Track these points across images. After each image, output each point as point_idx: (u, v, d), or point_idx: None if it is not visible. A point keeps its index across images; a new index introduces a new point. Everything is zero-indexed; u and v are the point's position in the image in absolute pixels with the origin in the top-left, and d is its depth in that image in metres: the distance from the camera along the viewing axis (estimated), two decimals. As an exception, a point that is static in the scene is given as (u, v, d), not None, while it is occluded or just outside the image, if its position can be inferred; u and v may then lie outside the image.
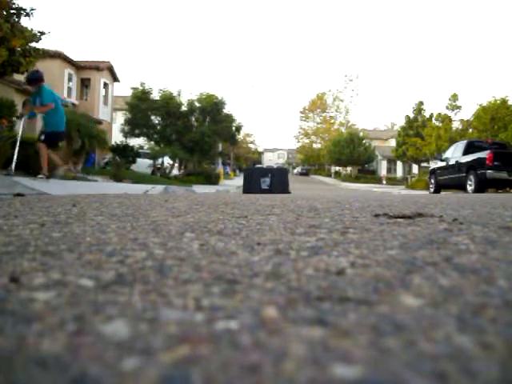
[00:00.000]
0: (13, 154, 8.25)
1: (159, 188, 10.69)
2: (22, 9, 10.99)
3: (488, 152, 12.75)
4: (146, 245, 1.34)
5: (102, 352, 0.55)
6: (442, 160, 15.58)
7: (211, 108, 27.27)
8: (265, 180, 11.07)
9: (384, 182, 44.50)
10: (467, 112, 34.31)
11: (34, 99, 8.71)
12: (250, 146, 77.64)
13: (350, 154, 52.21)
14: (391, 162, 54.58)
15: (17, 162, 8.39)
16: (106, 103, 29.18)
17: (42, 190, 5.49)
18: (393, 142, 50.45)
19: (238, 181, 26.32)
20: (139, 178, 16.20)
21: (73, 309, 0.71)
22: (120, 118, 31.68)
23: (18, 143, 8.34)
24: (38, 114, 8.98)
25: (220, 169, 34.71)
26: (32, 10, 11.18)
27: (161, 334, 0.61)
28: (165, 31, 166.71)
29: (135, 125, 27.18)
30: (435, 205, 3.21)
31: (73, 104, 25.26)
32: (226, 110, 28.49)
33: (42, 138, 8.46)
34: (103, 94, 28.87)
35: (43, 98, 8.70)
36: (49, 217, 2.12)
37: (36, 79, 8.65)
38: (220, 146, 33.04)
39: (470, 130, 30.69)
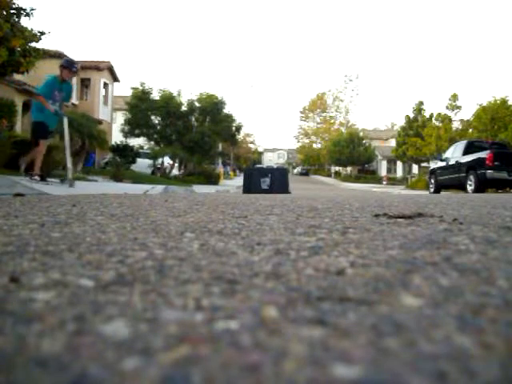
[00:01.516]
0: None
1: (159, 188, 10.69)
2: (22, 9, 10.98)
3: (488, 152, 12.76)
4: (145, 245, 1.34)
5: (102, 352, 0.54)
6: (442, 160, 15.58)
7: (211, 108, 27.27)
8: (265, 180, 11.07)
9: (385, 182, 44.48)
10: (467, 112, 34.32)
11: (52, 91, 7.20)
12: (250, 145, 77.63)
13: (350, 154, 52.23)
14: (391, 162, 54.58)
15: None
16: (105, 103, 29.18)
17: (42, 190, 5.49)
18: (393, 142, 50.45)
19: (238, 181, 26.31)
20: (139, 178, 16.20)
21: (73, 309, 0.71)
22: (120, 118, 31.67)
23: (68, 148, 7.30)
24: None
25: (220, 169, 34.72)
26: (32, 9, 11.18)
27: (161, 334, 0.61)
28: (165, 31, 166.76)
29: (135, 125, 27.19)
30: (435, 205, 3.21)
31: (73, 104, 25.26)
32: (226, 110, 28.51)
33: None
34: (103, 93, 28.87)
35: (70, 93, 7.63)
36: (49, 217, 2.12)
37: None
38: (220, 146, 33.05)
39: (470, 130, 30.69)
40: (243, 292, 0.82)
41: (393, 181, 46.02)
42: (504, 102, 29.03)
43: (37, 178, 7.09)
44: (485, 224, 1.91)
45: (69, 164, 7.30)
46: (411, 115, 41.49)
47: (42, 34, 11.78)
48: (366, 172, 53.97)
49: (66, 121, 7.45)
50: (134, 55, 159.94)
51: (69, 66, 7.37)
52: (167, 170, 24.96)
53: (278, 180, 11.18)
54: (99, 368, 0.50)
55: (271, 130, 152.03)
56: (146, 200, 3.67)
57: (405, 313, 0.70)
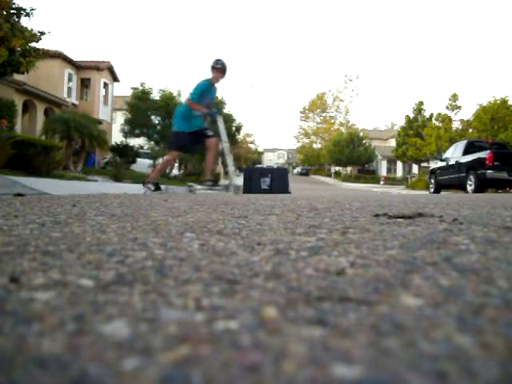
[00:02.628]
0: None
1: (159, 188, 10.66)
2: (22, 9, 11.00)
3: (488, 152, 12.76)
4: (145, 245, 1.34)
5: (102, 352, 0.54)
6: (442, 160, 15.59)
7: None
8: (265, 180, 11.06)
9: (382, 182, 44.53)
10: (467, 112, 34.37)
11: (205, 96, 6.75)
12: (250, 145, 77.65)
13: (350, 154, 52.24)
14: (391, 162, 54.61)
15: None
16: (105, 103, 29.19)
17: (41, 190, 5.49)
18: (393, 142, 50.48)
19: (238, 181, 26.29)
20: (139, 178, 16.20)
21: (73, 309, 0.71)
22: (120, 118, 31.71)
23: (227, 149, 6.68)
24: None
25: (220, 169, 34.72)
26: (32, 9, 11.20)
27: (161, 333, 0.61)
28: (165, 31, 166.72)
29: (135, 125, 27.18)
30: (435, 205, 3.21)
31: (73, 104, 25.26)
32: (225, 110, 28.51)
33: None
34: (103, 93, 28.89)
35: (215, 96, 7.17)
36: (49, 217, 2.12)
37: None
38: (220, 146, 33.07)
39: (470, 130, 30.71)
40: (243, 292, 0.82)
41: (392, 181, 46.05)
42: (504, 101, 29.06)
43: (155, 188, 6.71)
44: (485, 224, 1.91)
45: (231, 167, 6.81)
46: (411, 115, 41.50)
47: (42, 34, 11.80)
48: (365, 172, 53.98)
49: (220, 119, 6.94)
50: (134, 55, 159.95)
51: (215, 64, 6.82)
52: (167, 170, 24.96)
53: (278, 180, 11.16)
54: (99, 368, 0.50)
55: (271, 129, 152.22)
56: (146, 200, 3.67)
57: (405, 313, 0.70)
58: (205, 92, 6.82)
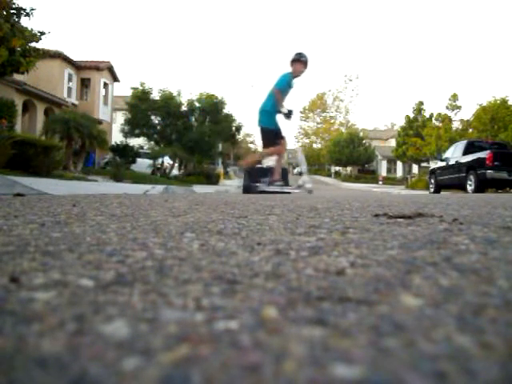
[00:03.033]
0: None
1: (159, 188, 10.70)
2: (22, 9, 11.01)
3: (488, 152, 12.77)
4: (145, 245, 1.34)
5: (102, 352, 0.55)
6: (442, 160, 15.61)
7: (211, 108, 27.29)
8: (265, 180, 11.06)
9: (381, 181, 44.60)
10: (467, 112, 34.37)
11: (288, 90, 6.66)
12: (250, 146, 77.66)
13: (350, 154, 52.28)
14: (391, 162, 54.63)
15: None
16: (106, 103, 29.20)
17: (41, 190, 5.49)
18: (393, 142, 50.51)
19: (238, 181, 26.31)
20: (139, 178, 16.22)
21: (73, 309, 0.71)
22: (120, 118, 31.74)
23: (302, 159, 6.73)
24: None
25: (220, 169, 34.82)
26: (32, 9, 11.20)
27: (161, 333, 0.61)
28: (165, 31, 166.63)
29: (135, 125, 27.21)
30: (435, 205, 3.22)
31: (73, 104, 25.27)
32: (226, 110, 28.53)
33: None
34: (103, 93, 28.90)
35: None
36: (49, 217, 2.12)
37: None
38: (220, 146, 33.10)
39: (470, 130, 30.72)
40: (243, 292, 0.82)
41: (392, 181, 46.10)
42: (504, 101, 29.08)
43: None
44: (485, 224, 1.91)
45: (304, 169, 6.72)
46: (411, 115, 41.50)
47: (42, 34, 11.81)
48: (365, 172, 54.01)
49: (291, 120, 6.89)
50: (134, 55, 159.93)
51: (298, 57, 6.69)
52: (167, 170, 24.97)
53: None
54: (99, 368, 0.50)
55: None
56: (146, 200, 3.67)
57: (405, 313, 0.70)
58: (289, 85, 6.75)
